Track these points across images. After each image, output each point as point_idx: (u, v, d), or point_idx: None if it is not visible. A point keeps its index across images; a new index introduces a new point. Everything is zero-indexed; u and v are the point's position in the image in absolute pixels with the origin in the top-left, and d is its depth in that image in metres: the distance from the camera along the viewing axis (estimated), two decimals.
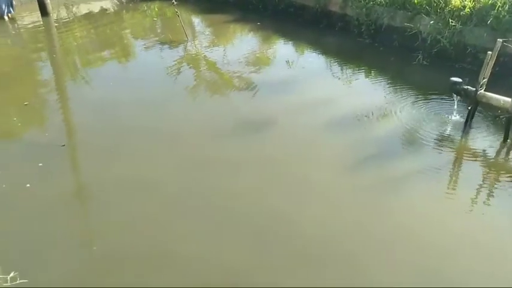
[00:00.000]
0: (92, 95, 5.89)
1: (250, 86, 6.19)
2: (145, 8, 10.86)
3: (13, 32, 8.78)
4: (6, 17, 8.80)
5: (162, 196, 3.69)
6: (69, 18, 10.07)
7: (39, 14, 9.14)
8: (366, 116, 5.07)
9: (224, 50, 7.99)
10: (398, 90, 5.82)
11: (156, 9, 10.79)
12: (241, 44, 8.38)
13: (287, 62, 7.23)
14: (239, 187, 3.79)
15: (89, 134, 4.70)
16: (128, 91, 5.88)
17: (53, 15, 9.36)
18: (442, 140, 4.48)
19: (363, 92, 5.93)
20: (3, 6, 8.73)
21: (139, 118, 5.12)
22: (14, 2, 9.06)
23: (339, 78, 6.43)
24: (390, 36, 7.34)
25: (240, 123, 4.99)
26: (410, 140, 4.54)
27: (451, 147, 4.37)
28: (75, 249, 3.15)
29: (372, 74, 6.53)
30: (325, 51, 7.59)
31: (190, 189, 3.79)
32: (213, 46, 8.12)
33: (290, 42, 8.37)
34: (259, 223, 3.37)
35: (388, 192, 3.72)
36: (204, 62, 7.34)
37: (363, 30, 7.70)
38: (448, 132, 4.66)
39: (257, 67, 6.95)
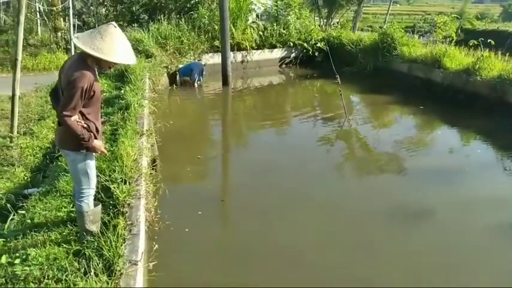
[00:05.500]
0: (252, 157, 6.47)
1: (404, 170, 5.91)
2: (308, 84, 11.71)
3: (198, 96, 10.50)
4: (196, 84, 10.66)
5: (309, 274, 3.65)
6: (243, 88, 11.57)
7: (221, 83, 10.77)
8: None
9: (380, 130, 7.93)
10: None
11: (319, 85, 11.54)
12: (399, 126, 8.21)
13: (450, 150, 6.72)
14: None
15: (246, 194, 5.09)
16: (282, 158, 6.24)
17: (231, 85, 10.88)
18: None
19: None
20: (196, 75, 10.63)
21: (292, 185, 5.35)
22: (204, 72, 10.94)
23: None
24: None
25: (393, 209, 4.73)
26: None
27: None
28: None
29: None
30: (498, 143, 6.84)
31: (344, 278, 3.60)
32: (369, 125, 8.14)
33: (455, 129, 7.83)
34: None
35: None
36: (358, 140, 7.38)
37: None
38: None
39: (414, 151, 6.64)
